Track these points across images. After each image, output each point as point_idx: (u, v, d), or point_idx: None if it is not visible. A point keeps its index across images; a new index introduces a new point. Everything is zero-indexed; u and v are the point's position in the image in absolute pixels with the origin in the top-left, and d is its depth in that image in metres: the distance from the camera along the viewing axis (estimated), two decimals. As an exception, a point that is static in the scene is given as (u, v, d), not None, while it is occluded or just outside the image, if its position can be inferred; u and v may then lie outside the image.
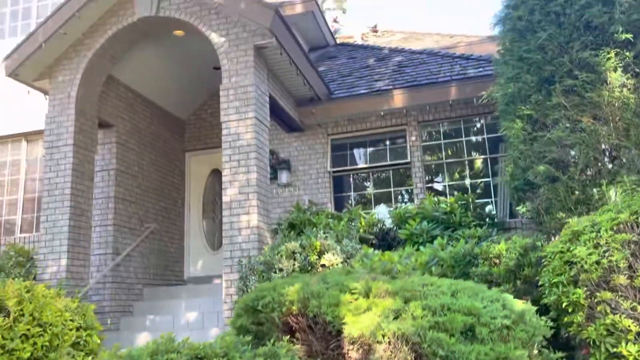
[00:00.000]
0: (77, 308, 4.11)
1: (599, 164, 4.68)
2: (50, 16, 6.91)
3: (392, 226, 6.71)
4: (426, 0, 44.91)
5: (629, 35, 4.58)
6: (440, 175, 7.72)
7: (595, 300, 3.44)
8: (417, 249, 5.38)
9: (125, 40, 7.16)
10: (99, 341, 4.25)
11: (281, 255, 5.44)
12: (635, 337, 3.24)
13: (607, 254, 3.48)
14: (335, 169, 8.01)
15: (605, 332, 3.32)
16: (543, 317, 3.53)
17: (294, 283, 3.61)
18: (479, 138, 7.57)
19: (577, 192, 4.65)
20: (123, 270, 7.49)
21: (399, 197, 7.84)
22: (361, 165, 8.06)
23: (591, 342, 3.40)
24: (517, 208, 5.21)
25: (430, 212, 6.23)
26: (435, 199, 6.56)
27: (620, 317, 3.28)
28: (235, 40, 6.47)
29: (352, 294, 3.38)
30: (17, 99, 8.37)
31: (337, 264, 5.31)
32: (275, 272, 5.31)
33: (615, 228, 3.57)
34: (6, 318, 3.59)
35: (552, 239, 4.41)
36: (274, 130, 8.18)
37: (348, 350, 3.17)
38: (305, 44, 10.83)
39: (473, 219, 6.24)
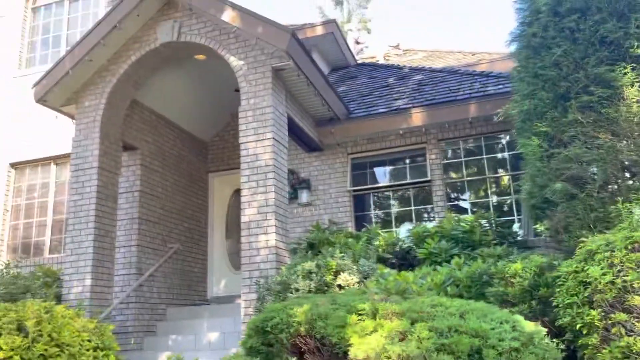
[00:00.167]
0: (94, 328, 4.19)
1: (619, 180, 4.57)
2: (77, 44, 7.17)
3: (412, 245, 6.65)
4: (451, 19, 44.94)
5: (645, 50, 4.50)
6: (461, 193, 7.65)
7: (610, 321, 3.34)
8: (434, 269, 5.32)
9: (148, 65, 7.36)
10: (116, 361, 4.33)
11: (297, 275, 5.44)
12: (651, 361, 3.13)
13: (621, 274, 3.39)
14: (355, 188, 8.01)
15: (620, 355, 3.22)
16: (558, 339, 3.46)
17: (302, 304, 3.62)
18: (501, 155, 7.48)
19: (596, 210, 4.54)
20: (146, 291, 7.61)
21: (420, 215, 7.78)
22: (381, 184, 8.04)
23: (607, 366, 3.29)
24: (535, 226, 5.11)
25: (449, 231, 6.16)
26: (455, 217, 6.49)
27: (635, 339, 3.17)
28: (253, 63, 6.59)
29: (359, 315, 3.38)
30: (46, 124, 8.67)
31: (353, 284, 5.29)
32: (291, 292, 5.31)
33: (630, 247, 3.48)
34: (25, 338, 3.70)
35: (572, 258, 4.30)
36: (294, 150, 8.26)
37: (354, 372, 3.15)
38: (326, 64, 10.96)
39: (494, 238, 6.15)
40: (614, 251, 3.53)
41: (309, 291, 5.27)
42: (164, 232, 8.16)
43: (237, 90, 6.94)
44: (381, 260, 6.36)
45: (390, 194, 8.04)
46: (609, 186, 4.61)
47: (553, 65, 4.97)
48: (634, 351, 3.14)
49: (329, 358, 3.35)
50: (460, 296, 4.64)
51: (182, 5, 6.97)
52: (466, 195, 7.59)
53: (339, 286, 5.29)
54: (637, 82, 4.51)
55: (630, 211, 4.04)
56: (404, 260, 6.53)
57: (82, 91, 7.31)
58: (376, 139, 7.94)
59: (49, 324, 3.68)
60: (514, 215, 7.14)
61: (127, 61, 7.19)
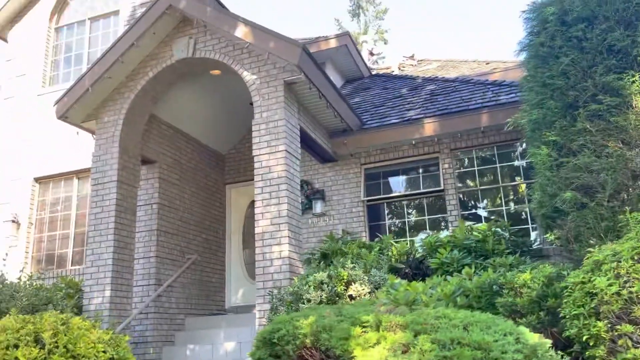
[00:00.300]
0: (110, 339, 4.31)
1: (630, 189, 4.54)
2: (96, 62, 7.39)
3: (425, 255, 6.66)
4: (468, 27, 44.80)
5: (653, 58, 4.48)
6: (475, 202, 7.63)
7: (617, 333, 3.32)
8: (445, 279, 5.32)
9: (165, 81, 7.54)
10: (131, 371, 4.43)
11: (309, 286, 5.50)
12: (657, 373, 3.11)
13: (627, 285, 3.37)
14: (369, 198, 8.06)
15: (626, 368, 3.20)
16: (567, 351, 3.45)
17: (308, 315, 3.67)
18: (514, 164, 7.46)
19: (606, 219, 4.51)
20: (165, 301, 7.75)
21: (434, 224, 7.78)
22: (395, 193, 8.08)
23: (613, 378, 3.28)
24: (545, 236, 5.09)
25: (462, 241, 6.16)
26: (468, 226, 6.49)
27: (641, 351, 3.16)
28: (266, 77, 6.70)
29: (363, 327, 3.42)
30: (68, 140, 8.92)
31: (364, 295, 5.33)
32: (303, 303, 5.37)
33: (636, 257, 3.46)
34: (42, 350, 3.83)
35: (579, 268, 4.28)
36: (309, 162, 8.35)
37: (357, 384, 3.19)
38: (340, 76, 11.06)
39: (507, 247, 6.13)
40: (620, 262, 3.52)
41: (321, 302, 5.32)
42: (182, 243, 8.31)
43: (252, 104, 7.08)
44: (394, 270, 6.38)
45: (404, 203, 8.06)
46: (620, 194, 4.58)
47: (561, 74, 4.98)
48: (639, 363, 3.12)
49: (333, 369, 3.40)
50: (470, 306, 4.64)
51: (196, 22, 7.12)
52: (480, 204, 7.58)
53: (350, 297, 5.33)
54: (645, 90, 4.49)
55: (639, 220, 4.02)
56: (418, 270, 6.54)
57: (101, 107, 7.52)
58: (389, 149, 7.99)
59: (65, 335, 3.81)
60: (528, 224, 7.09)
61: (145, 77, 7.38)
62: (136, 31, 7.19)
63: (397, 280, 5.43)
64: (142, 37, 7.17)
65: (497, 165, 7.51)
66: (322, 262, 6.40)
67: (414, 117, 7.74)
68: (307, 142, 7.42)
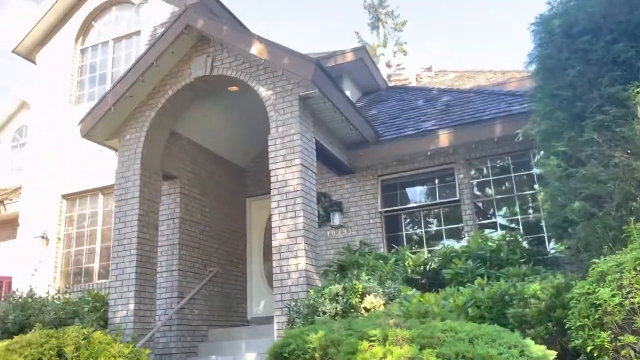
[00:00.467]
0: (130, 353, 4.49)
1: (637, 199, 4.55)
2: (118, 81, 7.67)
3: (440, 265, 6.71)
4: (486, 38, 44.59)
5: (657, 69, 4.51)
6: (490, 211, 7.66)
7: (620, 344, 3.37)
8: (458, 289, 5.38)
9: (184, 98, 7.78)
10: (150, 383, 4.61)
11: (325, 298, 5.61)
12: (659, 384, 3.14)
13: (630, 296, 3.41)
14: (386, 209, 8.15)
15: (629, 378, 3.24)
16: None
17: (318, 329, 3.79)
18: (529, 173, 7.47)
19: (614, 229, 4.53)
20: (188, 313, 7.95)
21: (451, 234, 7.83)
22: (411, 204, 8.16)
23: (617, 389, 3.32)
24: (555, 246, 5.12)
25: (476, 251, 6.20)
26: (482, 237, 6.52)
27: (643, 362, 3.19)
28: (281, 93, 6.87)
29: (370, 341, 3.51)
30: (93, 157, 9.25)
31: (379, 306, 5.41)
32: (319, 315, 5.47)
33: (639, 268, 3.49)
34: (65, 363, 4.04)
35: (585, 279, 4.31)
36: (326, 174, 8.49)
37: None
38: (358, 89, 11.19)
39: (521, 256, 6.15)
40: (623, 272, 3.56)
41: (336, 314, 5.42)
42: (204, 257, 8.51)
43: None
44: (410, 281, 6.45)
45: (421, 214, 8.13)
46: (628, 204, 4.60)
47: (568, 86, 5.02)
48: (641, 374, 3.16)
49: (341, 383, 3.50)
50: (482, 317, 4.70)
51: (213, 41, 7.34)
52: (496, 214, 7.61)
53: (365, 309, 5.42)
54: (650, 100, 4.51)
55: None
56: (434, 281, 6.59)
57: (123, 126, 7.79)
58: (405, 161, 8.08)
59: (87, 350, 4.00)
60: (543, 233, 7.09)
61: (165, 95, 7.62)
62: (156, 51, 7.45)
63: (411, 292, 5.50)
64: (161, 56, 7.42)
65: (512, 174, 7.54)
66: (338, 274, 6.50)
67: (430, 128, 7.83)
68: (323, 155, 7.55)
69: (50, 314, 6.01)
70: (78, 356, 3.98)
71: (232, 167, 9.59)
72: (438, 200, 7.91)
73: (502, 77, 10.42)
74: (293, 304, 5.90)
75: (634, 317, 3.35)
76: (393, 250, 7.20)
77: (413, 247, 7.79)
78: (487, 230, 7.41)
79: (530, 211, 7.47)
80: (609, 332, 3.44)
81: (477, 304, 4.85)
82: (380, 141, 8.07)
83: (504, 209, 7.63)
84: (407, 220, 8.22)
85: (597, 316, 3.55)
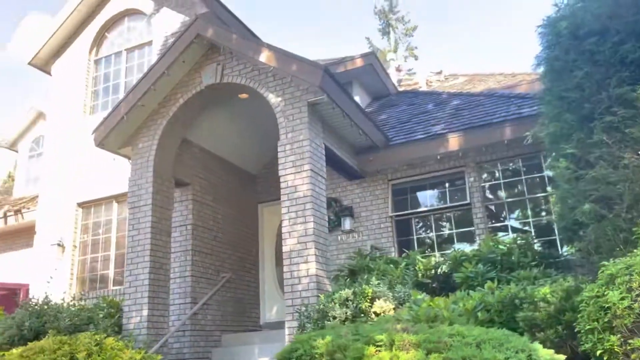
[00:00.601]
0: (142, 359, 4.55)
1: (648, 200, 4.51)
2: (130, 91, 7.79)
3: (451, 269, 6.69)
4: (497, 41, 44.40)
5: (665, 69, 4.48)
6: (502, 214, 7.62)
7: (629, 347, 3.33)
8: (468, 293, 5.36)
9: (195, 106, 7.87)
10: (161, 389, 4.66)
11: (335, 303, 5.62)
12: (669, 387, 3.10)
13: (639, 299, 3.38)
14: (396, 214, 8.15)
15: (638, 382, 3.20)
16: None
17: (326, 335, 3.81)
18: (539, 175, 7.42)
19: (625, 231, 4.49)
20: (201, 318, 8.01)
21: (462, 238, 7.80)
22: (422, 208, 8.15)
23: (627, 392, 3.28)
24: (563, 249, 5.09)
25: (486, 254, 6.18)
26: (494, 240, 6.50)
27: (652, 365, 3.16)
28: (290, 99, 6.92)
29: (377, 346, 3.52)
30: (108, 166, 9.38)
31: (388, 311, 5.41)
32: (329, 320, 5.49)
33: (648, 271, 3.46)
34: (78, 369, 4.10)
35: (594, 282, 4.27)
36: (337, 179, 8.52)
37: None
38: (368, 94, 11.22)
39: (532, 259, 6.11)
40: (632, 275, 3.53)
41: (346, 319, 5.43)
42: (217, 262, 8.58)
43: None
44: (420, 285, 6.44)
45: (432, 218, 8.12)
46: (639, 205, 4.56)
47: (576, 87, 4.99)
48: (651, 378, 3.13)
49: (348, 388, 3.51)
50: (492, 321, 4.68)
51: (223, 49, 7.43)
52: (507, 217, 7.57)
53: (375, 313, 5.43)
54: (659, 101, 4.47)
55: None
56: (445, 284, 6.57)
57: (136, 134, 7.89)
58: (415, 165, 8.08)
59: (99, 356, 4.06)
60: (555, 235, 7.03)
61: (176, 104, 7.72)
62: (167, 60, 7.55)
63: (421, 296, 5.50)
64: (172, 65, 7.52)
65: (523, 177, 7.50)
66: (349, 279, 6.51)
67: (439, 132, 7.82)
68: (333, 161, 7.58)
69: (66, 321, 6.10)
70: (90, 362, 4.04)
71: (243, 174, 9.66)
72: (449, 204, 7.90)
73: (512, 80, 10.39)
74: (303, 309, 5.92)
75: (643, 320, 3.31)
76: (404, 255, 7.20)
77: (425, 251, 7.77)
78: (500, 234, 7.38)
79: (543, 214, 7.42)
80: (619, 335, 3.41)
81: (487, 307, 4.83)
82: (390, 146, 8.08)
83: (516, 212, 7.59)
84: (418, 224, 8.21)
85: (606, 319, 3.52)
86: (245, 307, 9.07)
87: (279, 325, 8.89)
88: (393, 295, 5.62)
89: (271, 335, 8.05)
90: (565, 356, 3.54)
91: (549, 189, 7.36)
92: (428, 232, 8.12)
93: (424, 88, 12.28)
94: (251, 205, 9.75)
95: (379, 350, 3.48)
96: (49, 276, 9.02)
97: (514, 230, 7.42)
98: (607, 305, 3.55)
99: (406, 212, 8.14)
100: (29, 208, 11.75)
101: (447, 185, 8.02)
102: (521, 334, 4.22)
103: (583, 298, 3.83)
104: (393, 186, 8.29)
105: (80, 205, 9.79)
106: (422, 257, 6.82)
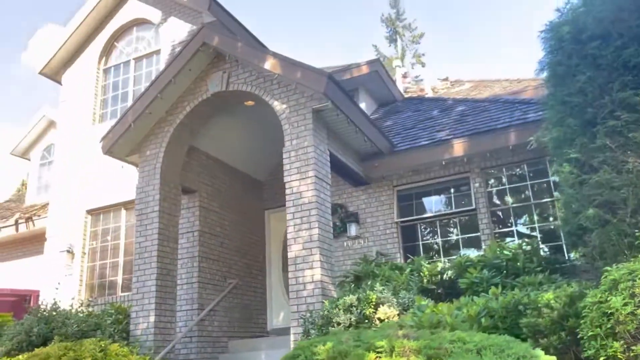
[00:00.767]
0: (145, 364, 4.58)
1: (652, 205, 4.48)
2: (138, 99, 7.87)
3: (456, 275, 6.67)
4: (503, 47, 44.30)
5: (668, 73, 4.46)
6: (507, 220, 7.59)
7: (632, 354, 3.31)
8: (473, 299, 5.34)
9: (202, 114, 7.93)
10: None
11: (339, 309, 5.62)
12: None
13: (641, 304, 3.36)
14: (402, 219, 8.15)
15: (641, 388, 3.18)
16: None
17: (327, 341, 3.81)
18: (544, 180, 7.39)
19: (629, 235, 4.46)
20: (208, 324, 8.04)
21: (468, 244, 7.78)
22: (427, 214, 8.14)
23: (629, 399, 3.26)
24: (569, 254, 5.06)
25: (491, 260, 6.16)
26: (499, 245, 6.47)
27: (655, 371, 3.13)
28: (295, 106, 6.95)
29: (377, 352, 3.52)
30: (116, 173, 9.48)
31: (392, 317, 5.40)
32: (333, 326, 5.49)
33: (650, 276, 3.44)
34: (83, 374, 4.14)
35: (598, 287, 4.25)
36: (342, 185, 8.54)
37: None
38: (374, 100, 11.24)
39: (538, 265, 6.08)
40: (635, 280, 3.51)
41: (350, 325, 5.43)
42: (224, 269, 8.61)
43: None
44: (425, 291, 6.43)
45: (437, 223, 8.10)
46: (643, 211, 4.53)
47: (579, 92, 4.99)
48: (653, 384, 3.10)
49: (349, 394, 3.51)
50: (496, 327, 4.66)
51: (229, 57, 7.49)
52: (512, 222, 7.53)
53: (379, 319, 5.42)
54: (662, 105, 4.45)
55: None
56: (451, 290, 6.55)
57: (143, 142, 7.97)
58: (421, 171, 8.08)
59: (103, 361, 4.11)
60: (561, 241, 6.99)
61: (183, 112, 7.78)
62: (174, 68, 7.62)
63: (425, 302, 5.48)
64: (179, 74, 7.59)
65: (528, 182, 7.47)
66: (354, 285, 6.51)
67: (444, 138, 7.82)
68: (338, 167, 7.60)
69: (73, 327, 6.14)
70: (94, 368, 4.09)
71: (250, 180, 9.71)
72: (454, 210, 7.88)
73: (518, 86, 10.37)
74: (308, 315, 5.94)
75: (645, 326, 3.29)
76: (409, 261, 7.19)
77: (432, 257, 7.77)
78: (507, 239, 7.35)
79: (551, 219, 7.38)
80: (622, 341, 3.39)
81: (491, 313, 4.81)
82: (394, 152, 8.09)
83: (522, 218, 7.55)
84: (424, 230, 8.20)
85: (609, 325, 3.50)
86: (252, 313, 9.09)
87: (286, 331, 8.88)
88: (397, 301, 5.61)
89: (278, 341, 8.05)
90: (568, 362, 3.52)
91: (556, 194, 7.33)
92: (434, 237, 8.10)
93: (430, 94, 12.28)
94: (258, 211, 9.78)
95: (379, 357, 3.48)
96: (57, 282, 9.10)
97: (521, 235, 7.39)
98: (610, 311, 3.53)
99: (411, 218, 8.14)
100: (39, 215, 11.87)
101: (452, 191, 8.01)
102: (525, 340, 4.20)
103: (586, 304, 3.81)
104: (398, 192, 8.29)
105: (89, 212, 9.89)
106: (428, 263, 6.81)
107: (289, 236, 6.54)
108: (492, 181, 7.77)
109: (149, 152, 7.90)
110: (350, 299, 5.64)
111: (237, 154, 9.21)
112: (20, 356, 4.37)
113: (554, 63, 5.29)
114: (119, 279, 9.25)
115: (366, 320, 5.42)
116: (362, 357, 3.46)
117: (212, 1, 9.33)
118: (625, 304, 3.43)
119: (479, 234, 7.55)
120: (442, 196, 8.10)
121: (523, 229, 7.48)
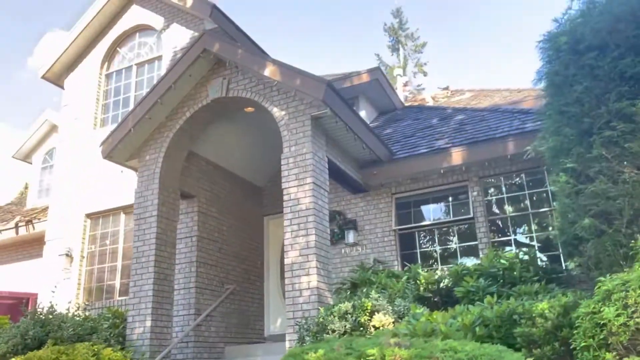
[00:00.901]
0: (139, 369, 4.57)
1: (648, 215, 4.47)
2: (138, 104, 7.90)
3: (454, 283, 6.65)
4: (505, 57, 44.38)
5: (664, 84, 4.47)
6: (505, 229, 7.58)
7: (624, 365, 3.30)
8: (468, 308, 5.32)
9: (201, 119, 7.96)
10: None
11: (334, 316, 5.61)
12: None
13: (635, 315, 3.35)
14: (400, 227, 8.15)
15: (632, 400, 3.16)
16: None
17: (319, 349, 3.81)
18: (542, 190, 7.39)
19: (625, 246, 4.45)
20: (204, 330, 8.03)
21: (465, 252, 7.77)
22: (425, 222, 8.14)
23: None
24: (566, 263, 5.05)
25: (488, 269, 6.14)
26: (496, 254, 6.45)
27: (646, 383, 3.12)
28: (294, 113, 6.97)
29: (368, 360, 3.51)
30: (116, 178, 9.50)
31: (388, 324, 5.38)
32: (328, 334, 5.47)
33: (643, 287, 3.43)
34: (75, 378, 4.14)
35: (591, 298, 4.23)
36: (341, 192, 8.54)
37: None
38: (374, 108, 11.27)
39: (535, 274, 6.05)
40: (628, 291, 3.49)
41: (345, 332, 5.41)
42: (221, 274, 8.61)
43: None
44: (422, 299, 6.40)
45: (435, 231, 8.10)
46: (639, 220, 4.52)
47: (575, 102, 5.00)
48: (644, 395, 3.09)
49: (340, 401, 3.51)
50: (490, 337, 4.64)
51: (229, 63, 7.52)
52: (510, 231, 7.52)
53: (374, 327, 5.41)
54: (658, 116, 4.46)
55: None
56: (448, 299, 6.52)
57: (143, 147, 7.99)
58: (419, 179, 8.08)
59: (96, 365, 4.10)
60: (559, 250, 6.97)
61: (183, 117, 7.81)
62: (174, 74, 7.66)
63: (420, 310, 5.47)
64: (179, 79, 7.63)
65: (526, 191, 7.47)
66: (350, 292, 6.50)
67: (443, 146, 7.83)
68: (336, 174, 7.61)
69: (69, 330, 6.14)
70: (86, 371, 4.09)
71: (249, 186, 9.72)
72: (452, 218, 7.88)
73: (517, 95, 10.39)
74: (303, 321, 5.92)
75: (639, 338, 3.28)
76: (406, 268, 7.18)
77: (430, 265, 7.75)
78: (506, 248, 7.34)
79: (550, 228, 7.36)
80: (614, 353, 3.38)
81: (486, 322, 4.79)
82: (393, 160, 8.10)
83: (520, 227, 7.54)
84: (422, 238, 8.19)
85: (602, 336, 3.49)
86: (250, 319, 9.08)
87: (283, 337, 8.82)
88: (393, 309, 5.60)
89: (274, 347, 8.03)
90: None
91: (554, 204, 7.32)
92: (432, 246, 8.09)
93: (431, 103, 12.31)
94: (257, 217, 9.79)
95: (370, 365, 3.47)
96: (54, 286, 9.10)
97: (518, 244, 7.38)
98: (602, 322, 3.52)
99: (410, 225, 8.13)
100: (39, 219, 11.90)
101: (450, 199, 8.01)
102: (519, 350, 4.19)
103: (579, 314, 3.80)
104: (397, 200, 8.30)
105: (88, 216, 9.90)
106: (425, 271, 6.79)
107: (286, 242, 6.54)
108: (490, 190, 7.77)
109: (148, 157, 7.93)
110: (346, 306, 5.63)
111: (236, 159, 9.23)
112: (13, 359, 4.36)
113: (552, 73, 5.30)
114: (117, 283, 9.25)
115: (361, 328, 5.40)
116: (352, 365, 3.46)
117: (213, 8, 9.38)
118: (618, 315, 3.42)
119: (476, 242, 7.55)
120: (441, 204, 8.10)
121: (521, 238, 7.47)
